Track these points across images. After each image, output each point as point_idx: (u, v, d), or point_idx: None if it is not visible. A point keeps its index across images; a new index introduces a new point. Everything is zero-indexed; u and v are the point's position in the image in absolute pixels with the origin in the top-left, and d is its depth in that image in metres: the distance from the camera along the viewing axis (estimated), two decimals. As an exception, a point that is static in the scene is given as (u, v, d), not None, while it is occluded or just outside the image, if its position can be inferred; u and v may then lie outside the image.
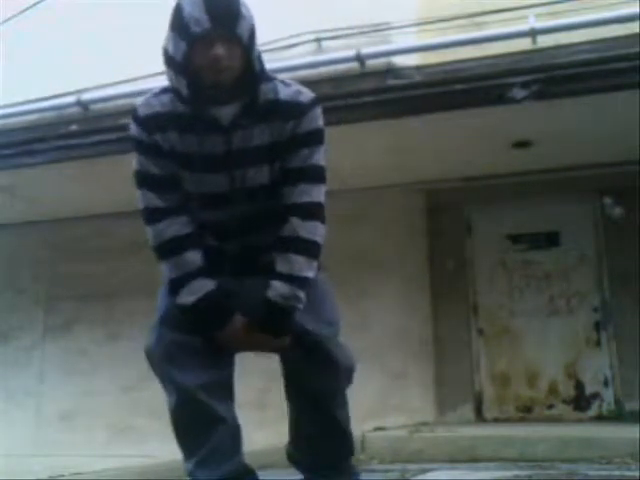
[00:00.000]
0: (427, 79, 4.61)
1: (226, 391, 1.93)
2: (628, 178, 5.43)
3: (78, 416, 6.43)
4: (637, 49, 4.16)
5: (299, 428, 2.09)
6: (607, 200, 5.80)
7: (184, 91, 1.79)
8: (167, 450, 5.37)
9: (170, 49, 1.78)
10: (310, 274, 1.86)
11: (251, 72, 1.79)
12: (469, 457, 4.03)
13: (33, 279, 7.01)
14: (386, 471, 3.67)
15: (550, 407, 5.70)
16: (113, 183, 5.80)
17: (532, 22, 4.37)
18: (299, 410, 2.05)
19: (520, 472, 3.27)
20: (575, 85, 4.38)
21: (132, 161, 1.91)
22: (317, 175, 1.89)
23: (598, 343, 5.71)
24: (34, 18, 5.54)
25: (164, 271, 1.90)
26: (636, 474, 3.12)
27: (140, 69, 4.98)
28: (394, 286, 5.95)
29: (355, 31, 4.77)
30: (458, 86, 4.51)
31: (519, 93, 4.38)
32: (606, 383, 5.61)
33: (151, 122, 1.85)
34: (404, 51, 4.72)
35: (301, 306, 1.84)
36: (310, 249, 1.86)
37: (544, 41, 4.44)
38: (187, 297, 1.83)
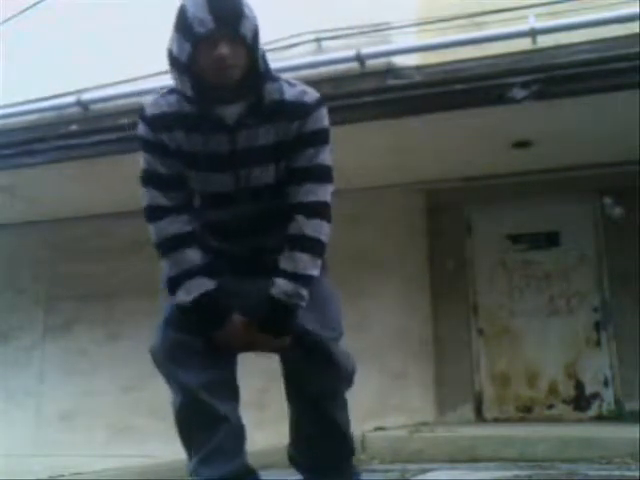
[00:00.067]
0: (427, 79, 4.61)
1: (229, 391, 1.94)
2: (628, 178, 5.43)
3: (78, 416, 6.43)
4: (637, 49, 4.16)
5: (299, 429, 2.09)
6: (607, 200, 5.80)
7: (188, 91, 1.81)
8: (167, 450, 5.37)
9: (174, 50, 1.80)
10: (314, 272, 1.86)
11: (256, 71, 1.81)
12: (469, 457, 4.03)
13: (33, 279, 7.01)
14: (386, 471, 3.68)
15: (550, 407, 5.70)
16: (113, 183, 5.81)
17: (532, 22, 4.37)
18: (299, 411, 2.06)
19: (520, 472, 3.28)
20: (575, 85, 4.38)
21: (139, 160, 1.93)
22: (323, 175, 1.89)
23: (598, 343, 5.71)
24: (34, 18, 5.54)
25: (164, 269, 1.90)
26: (636, 474, 3.12)
27: (140, 69, 4.98)
28: (394, 286, 5.95)
29: (355, 31, 4.77)
30: (458, 86, 4.51)
31: (519, 93, 4.38)
32: (606, 383, 5.61)
33: (158, 121, 1.86)
34: (404, 51, 4.72)
35: (304, 304, 1.84)
36: (315, 247, 1.86)
37: (544, 41, 4.44)
38: (185, 296, 1.85)
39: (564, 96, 4.45)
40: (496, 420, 5.73)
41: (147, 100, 1.94)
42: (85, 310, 6.72)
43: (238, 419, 1.93)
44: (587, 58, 4.31)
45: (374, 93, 4.63)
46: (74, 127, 5.32)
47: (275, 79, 1.87)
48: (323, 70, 4.65)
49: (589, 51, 4.33)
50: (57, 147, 5.33)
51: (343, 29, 4.78)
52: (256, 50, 1.79)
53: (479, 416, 5.78)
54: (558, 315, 5.84)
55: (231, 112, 1.82)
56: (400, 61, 4.69)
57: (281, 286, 1.82)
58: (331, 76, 4.59)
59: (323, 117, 1.90)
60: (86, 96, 5.23)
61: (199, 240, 1.93)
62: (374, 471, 3.60)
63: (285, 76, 1.96)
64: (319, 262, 1.89)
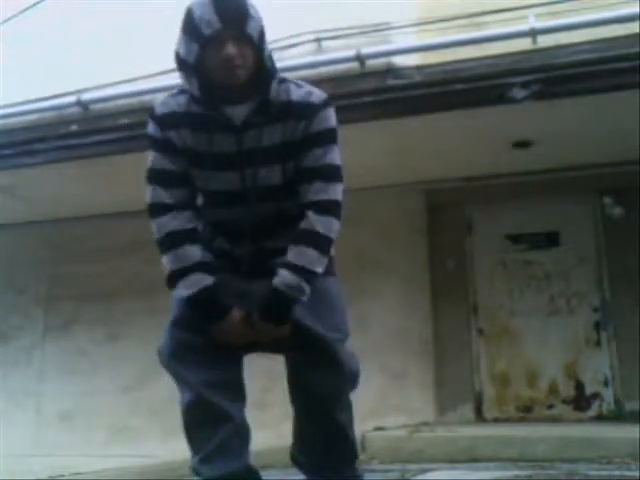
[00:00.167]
0: (427, 79, 4.61)
1: (235, 391, 1.95)
2: (628, 178, 5.43)
3: (78, 416, 6.44)
4: (637, 49, 4.16)
5: (302, 430, 2.09)
6: (607, 200, 5.80)
7: (196, 92, 1.84)
8: (167, 450, 5.39)
9: (182, 52, 1.82)
10: (319, 269, 1.87)
11: (263, 71, 1.83)
12: (469, 457, 4.03)
13: (33, 279, 7.01)
14: (386, 471, 3.68)
15: (550, 407, 5.70)
16: (113, 183, 5.81)
17: (532, 22, 4.37)
18: (303, 412, 2.05)
19: (520, 472, 3.28)
20: (575, 85, 4.38)
21: (147, 158, 1.95)
22: (332, 174, 1.90)
23: (598, 343, 5.71)
24: (34, 18, 5.54)
25: (165, 264, 1.92)
26: (636, 474, 3.12)
27: (140, 69, 4.98)
28: (394, 286, 5.95)
29: (355, 31, 4.77)
30: (458, 86, 4.52)
31: (519, 93, 4.38)
32: (606, 383, 5.61)
33: (167, 120, 1.89)
34: (404, 51, 4.72)
35: (304, 298, 1.85)
36: (323, 244, 1.88)
37: (544, 41, 4.44)
38: (184, 290, 1.86)
39: (564, 96, 4.45)
40: (496, 420, 5.73)
41: (157, 100, 1.97)
42: (85, 310, 6.72)
43: (243, 419, 1.94)
44: (587, 58, 4.31)
45: (374, 93, 4.63)
46: (74, 127, 5.32)
47: (282, 80, 1.89)
48: (323, 70, 4.65)
49: (589, 51, 4.33)
50: (57, 147, 5.33)
51: (343, 29, 4.78)
52: (262, 50, 1.81)
53: (479, 416, 5.77)
54: (558, 315, 5.84)
55: (238, 112, 1.85)
56: (400, 61, 4.69)
57: (284, 277, 1.83)
58: (331, 76, 4.59)
59: (329, 117, 1.91)
60: (86, 96, 5.23)
61: (204, 240, 1.95)
62: (374, 471, 3.60)
63: (286, 76, 1.96)
64: (325, 259, 1.90)
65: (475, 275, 6.06)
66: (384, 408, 5.53)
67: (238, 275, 1.97)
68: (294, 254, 1.85)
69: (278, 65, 1.92)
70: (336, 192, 1.90)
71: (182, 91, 1.92)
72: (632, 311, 5.49)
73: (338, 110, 1.98)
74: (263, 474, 2.01)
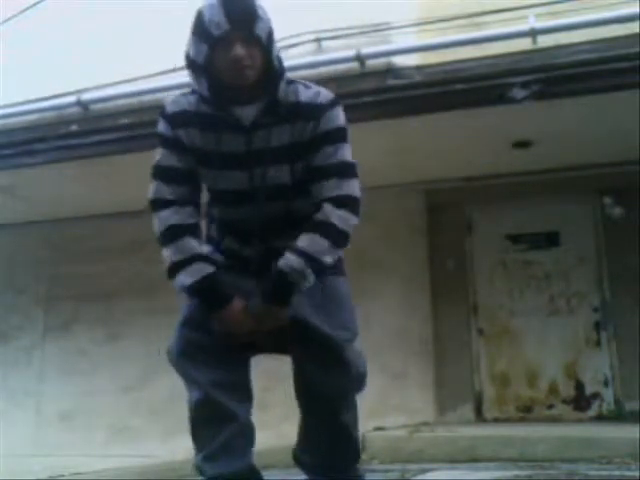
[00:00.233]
0: (427, 79, 4.61)
1: (241, 391, 1.96)
2: (628, 178, 5.43)
3: (78, 416, 6.43)
4: (637, 49, 4.16)
5: (307, 430, 2.09)
6: (607, 200, 5.80)
7: (205, 92, 1.87)
8: (167, 450, 5.39)
9: (192, 53, 1.85)
10: (328, 260, 1.87)
11: (271, 72, 1.85)
12: (469, 457, 4.03)
13: (33, 279, 7.01)
14: (386, 471, 3.67)
15: (550, 407, 5.70)
16: (113, 183, 5.81)
17: (532, 22, 4.37)
18: (308, 411, 2.06)
19: (520, 472, 3.28)
20: (575, 85, 4.38)
21: (154, 156, 1.98)
22: (346, 170, 1.92)
23: (598, 343, 5.71)
24: (34, 18, 5.54)
25: (165, 257, 1.93)
26: (636, 474, 3.12)
27: (140, 69, 4.98)
28: (394, 286, 5.95)
29: (355, 31, 4.77)
30: (458, 86, 4.51)
31: (519, 93, 4.38)
32: (606, 383, 5.61)
33: (177, 119, 1.92)
34: (404, 51, 4.72)
35: (307, 285, 1.85)
36: (336, 236, 1.88)
37: (544, 41, 4.44)
38: (185, 278, 1.88)
39: (564, 96, 4.45)
40: (496, 420, 5.73)
41: (168, 98, 2.00)
42: (85, 310, 6.72)
43: (248, 420, 1.96)
44: (587, 58, 4.31)
45: (374, 93, 4.63)
46: (74, 127, 5.32)
47: (291, 81, 1.93)
48: (323, 70, 4.65)
49: (589, 51, 4.33)
50: (57, 147, 5.33)
51: (343, 29, 4.78)
52: (271, 51, 1.84)
53: (479, 416, 5.77)
54: (558, 315, 5.84)
55: (247, 113, 1.88)
56: (400, 61, 4.69)
57: (290, 260, 1.83)
58: (331, 76, 4.58)
59: (337, 116, 1.93)
60: (86, 96, 5.23)
61: (213, 241, 2.01)
62: (374, 471, 3.60)
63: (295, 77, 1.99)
64: (337, 252, 1.90)
65: (475, 275, 6.06)
66: (384, 408, 5.52)
67: (247, 275, 1.98)
68: (305, 240, 1.86)
69: (279, 65, 1.92)
70: (352, 187, 1.91)
71: (193, 91, 1.95)
72: (632, 311, 5.49)
73: (338, 110, 1.98)
74: (264, 474, 2.01)
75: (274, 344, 1.95)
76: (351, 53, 4.65)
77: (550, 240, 5.99)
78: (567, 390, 5.70)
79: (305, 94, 1.91)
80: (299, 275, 1.83)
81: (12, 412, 6.62)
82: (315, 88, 1.94)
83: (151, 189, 1.95)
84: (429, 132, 4.95)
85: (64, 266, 6.81)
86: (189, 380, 1.92)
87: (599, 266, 5.81)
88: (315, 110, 1.89)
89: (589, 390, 5.64)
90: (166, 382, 6.17)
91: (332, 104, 1.92)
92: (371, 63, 4.67)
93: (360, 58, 4.63)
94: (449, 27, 4.64)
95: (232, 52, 1.78)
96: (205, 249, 1.94)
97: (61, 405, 6.54)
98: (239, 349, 1.93)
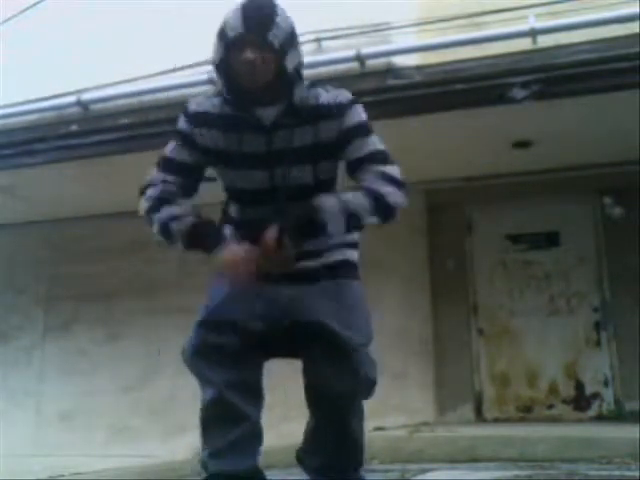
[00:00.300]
0: (427, 79, 4.61)
1: (254, 394, 1.99)
2: (628, 178, 5.43)
3: (78, 416, 6.43)
4: (637, 49, 4.16)
5: (314, 430, 2.10)
6: (607, 200, 5.80)
7: (224, 92, 1.94)
8: (167, 450, 5.38)
9: (213, 54, 1.92)
10: (364, 220, 1.88)
11: (284, 77, 1.88)
12: (469, 457, 4.03)
13: (33, 279, 7.01)
14: (386, 471, 3.67)
15: (550, 407, 5.70)
16: (113, 183, 5.81)
17: (532, 22, 4.37)
18: (315, 411, 2.06)
19: (520, 472, 3.28)
20: (575, 85, 4.38)
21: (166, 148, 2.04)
22: (383, 157, 1.97)
23: (598, 343, 5.71)
24: (34, 18, 5.54)
25: (154, 226, 1.95)
26: (636, 474, 3.12)
27: (140, 69, 4.98)
28: (394, 286, 5.94)
29: (355, 31, 4.77)
30: (458, 86, 4.51)
31: (519, 93, 4.38)
32: (606, 383, 5.61)
33: (198, 118, 1.98)
34: (404, 51, 4.72)
35: (329, 230, 1.83)
36: (384, 206, 1.90)
37: (544, 41, 4.43)
38: (179, 227, 1.91)
39: (564, 96, 4.45)
40: (496, 420, 5.73)
41: (192, 99, 2.06)
42: (85, 310, 6.72)
43: (258, 422, 1.98)
44: (587, 58, 4.31)
45: (374, 93, 4.62)
46: (74, 127, 5.32)
47: (312, 85, 1.98)
48: (323, 70, 4.65)
49: (589, 51, 4.33)
50: (57, 147, 5.33)
51: (343, 29, 4.78)
52: (284, 57, 1.86)
53: (479, 416, 5.77)
54: (558, 315, 5.84)
55: (268, 114, 1.92)
56: (400, 61, 4.69)
57: (328, 201, 1.85)
58: (331, 76, 4.58)
59: (360, 112, 1.99)
60: (86, 96, 5.23)
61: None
62: (374, 471, 3.59)
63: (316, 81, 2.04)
64: (375, 220, 1.91)
65: (475, 275, 6.06)
66: (384, 408, 5.52)
67: (263, 279, 1.96)
68: (348, 194, 1.89)
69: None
70: (396, 171, 1.96)
71: (218, 93, 2.00)
72: (632, 311, 5.49)
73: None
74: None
75: (288, 348, 1.98)
76: (351, 53, 4.65)
77: (550, 240, 5.99)
78: (567, 390, 5.70)
79: (325, 96, 1.96)
80: (330, 217, 1.83)
81: (12, 412, 6.62)
82: (335, 91, 2.00)
83: (149, 177, 2.01)
84: (429, 132, 4.95)
85: (64, 266, 6.81)
86: (203, 380, 1.95)
87: (599, 266, 5.81)
88: (338, 109, 1.94)
89: (589, 390, 5.64)
90: (166, 382, 6.19)
91: (353, 102, 1.99)
92: (371, 63, 4.67)
93: (360, 58, 4.63)
94: (449, 27, 4.64)
95: (243, 55, 1.83)
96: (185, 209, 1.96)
97: (61, 405, 6.54)
98: (254, 351, 1.94)
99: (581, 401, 5.65)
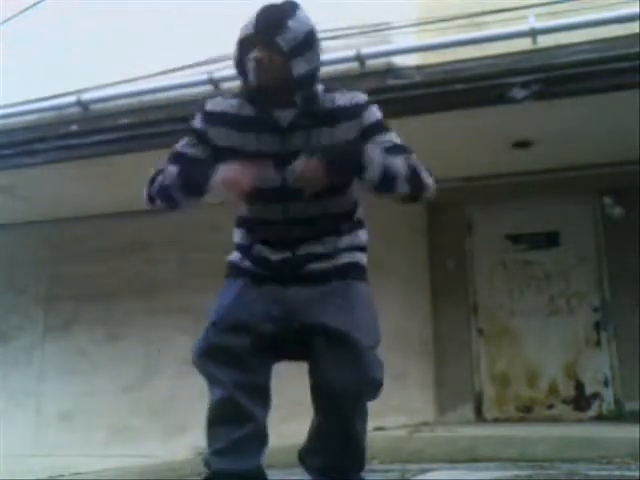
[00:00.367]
0: (427, 79, 4.61)
1: (261, 396, 2.00)
2: (628, 178, 5.43)
3: (78, 416, 6.43)
4: (637, 49, 4.16)
5: (317, 429, 2.10)
6: (607, 200, 5.80)
7: (244, 92, 2.01)
8: (167, 450, 5.38)
9: (233, 54, 1.99)
10: (400, 173, 1.93)
11: (292, 80, 1.91)
12: (469, 457, 4.03)
13: (33, 279, 7.01)
14: (386, 471, 3.67)
15: (550, 407, 5.70)
16: (113, 183, 5.81)
17: (532, 22, 4.37)
18: (320, 411, 2.06)
19: (520, 472, 3.27)
20: (575, 85, 4.38)
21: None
22: (407, 149, 2.02)
23: (598, 343, 5.71)
24: (34, 18, 5.54)
25: (159, 202, 2.02)
26: (636, 474, 3.12)
27: (140, 69, 4.98)
28: (394, 286, 5.94)
29: (355, 31, 4.76)
30: (458, 86, 4.51)
31: (519, 93, 4.38)
32: (606, 383, 5.61)
33: (214, 117, 2.02)
34: (404, 51, 4.72)
35: (366, 174, 1.89)
36: (417, 178, 1.98)
37: (544, 41, 4.43)
38: (171, 177, 1.97)
39: (564, 96, 4.45)
40: (496, 420, 5.73)
41: (210, 99, 2.10)
42: (85, 310, 6.72)
43: (264, 424, 2.00)
44: (587, 58, 4.31)
45: (374, 93, 4.58)
46: (74, 127, 5.32)
47: (328, 89, 2.03)
48: (323, 70, 4.63)
49: (589, 51, 4.32)
50: (57, 147, 5.33)
51: (343, 29, 4.78)
52: (292, 60, 1.90)
53: (479, 416, 5.78)
54: (558, 315, 5.84)
55: (285, 115, 1.97)
56: (400, 61, 4.68)
57: (377, 150, 1.93)
58: (331, 76, 4.57)
59: (376, 111, 2.06)
60: (86, 96, 5.23)
61: (243, 246, 2.07)
62: (374, 471, 3.59)
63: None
64: (408, 186, 1.97)
65: (475, 275, 6.06)
66: (384, 408, 5.49)
67: (274, 281, 2.01)
68: (393, 156, 1.94)
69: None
70: (419, 161, 2.01)
71: (235, 95, 2.06)
72: (632, 311, 5.49)
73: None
74: (262, 474, 2.02)
75: (298, 350, 1.98)
76: (351, 53, 4.65)
77: (550, 240, 5.99)
78: (567, 390, 5.70)
79: (342, 99, 2.01)
80: (370, 162, 1.89)
81: (12, 412, 6.62)
82: (350, 93, 2.05)
83: (158, 167, 2.05)
84: (429, 132, 4.94)
85: (64, 266, 6.81)
86: (212, 380, 1.96)
87: (599, 266, 5.81)
88: (355, 109, 2.00)
89: (589, 390, 5.65)
90: (166, 382, 6.19)
91: (368, 102, 2.05)
92: (371, 63, 4.67)
93: (360, 58, 4.63)
94: (449, 27, 4.64)
95: (250, 54, 1.90)
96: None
97: (61, 405, 6.54)
98: (264, 353, 1.96)
99: (581, 401, 5.65)
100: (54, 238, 6.92)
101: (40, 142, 5.34)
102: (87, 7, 5.47)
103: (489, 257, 6.07)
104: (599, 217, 5.86)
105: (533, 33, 4.39)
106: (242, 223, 2.13)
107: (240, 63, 1.96)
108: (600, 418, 5.52)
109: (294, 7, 1.96)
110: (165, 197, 2.01)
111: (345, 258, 2.07)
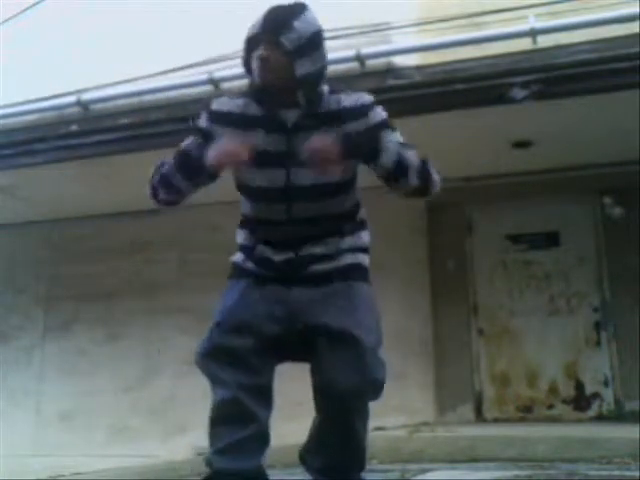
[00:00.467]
0: (427, 79, 4.61)
1: (265, 397, 2.00)
2: (628, 178, 5.43)
3: (78, 416, 6.43)
4: (637, 49, 4.16)
5: (319, 429, 2.10)
6: (607, 200, 5.80)
7: (249, 89, 2.02)
8: (167, 450, 5.38)
9: (242, 53, 2.00)
10: (413, 164, 1.99)
11: (295, 80, 1.92)
12: (469, 457, 4.02)
13: (33, 279, 7.01)
14: (386, 471, 3.67)
15: (550, 407, 5.70)
16: (113, 183, 5.81)
17: (532, 22, 4.37)
18: (321, 410, 2.06)
19: (520, 472, 3.27)
20: (575, 85, 4.38)
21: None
22: (412, 147, 2.05)
23: (598, 343, 5.71)
24: (34, 18, 5.54)
25: (162, 194, 2.04)
26: (636, 474, 3.11)
27: (140, 69, 4.98)
28: (394, 286, 5.94)
29: (355, 31, 4.77)
30: (458, 86, 4.52)
31: (519, 93, 4.38)
32: (606, 383, 5.61)
33: (219, 117, 2.02)
34: (404, 51, 4.73)
35: (380, 159, 1.95)
36: (427, 173, 2.06)
37: (544, 41, 4.44)
38: (168, 165, 2.01)
39: (564, 96, 4.45)
40: (496, 420, 5.73)
41: (216, 98, 2.10)
42: (85, 310, 6.72)
43: (267, 425, 2.00)
44: (587, 58, 4.31)
45: (374, 93, 4.60)
46: (74, 127, 5.32)
47: (333, 91, 2.04)
48: (323, 70, 4.65)
49: (589, 51, 4.33)
50: (57, 147, 5.33)
51: (343, 29, 4.78)
52: (296, 60, 1.90)
53: (479, 416, 5.77)
54: (558, 315, 5.84)
55: (290, 115, 1.97)
56: (400, 61, 4.69)
57: (388, 137, 1.98)
58: (331, 76, 4.58)
59: (382, 111, 2.07)
60: (86, 96, 5.23)
61: (247, 247, 2.07)
62: (374, 471, 3.59)
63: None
64: (419, 179, 2.04)
65: (475, 275, 6.06)
66: (384, 408, 5.47)
67: (277, 282, 2.01)
68: (406, 149, 1.99)
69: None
70: (424, 158, 2.05)
71: (241, 94, 2.05)
72: (632, 311, 5.49)
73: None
74: (262, 474, 2.01)
75: (301, 351, 1.98)
76: (351, 53, 4.65)
77: (550, 240, 5.99)
78: (567, 390, 5.70)
79: (347, 100, 2.02)
80: (385, 149, 1.94)
81: (12, 412, 6.62)
82: (356, 94, 2.06)
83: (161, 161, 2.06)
84: (429, 132, 4.94)
85: (64, 266, 6.82)
86: (216, 380, 1.97)
87: (599, 266, 5.81)
88: (361, 109, 2.01)
89: (589, 390, 5.64)
90: (166, 382, 6.19)
91: (374, 102, 2.06)
92: (371, 63, 4.68)
93: (360, 58, 4.63)
94: (449, 27, 4.64)
95: (255, 52, 1.91)
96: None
97: (61, 405, 6.54)
98: (267, 354, 1.96)
99: (581, 401, 5.65)
100: (54, 238, 6.92)
101: (40, 142, 5.35)
102: (87, 7, 5.47)
103: (489, 257, 6.07)
104: (599, 217, 5.86)
105: (533, 33, 4.40)
106: (245, 224, 2.13)
107: (247, 62, 1.97)
108: (600, 418, 5.51)
109: (302, 8, 1.97)
110: (166, 184, 2.01)
111: (347, 259, 2.07)
